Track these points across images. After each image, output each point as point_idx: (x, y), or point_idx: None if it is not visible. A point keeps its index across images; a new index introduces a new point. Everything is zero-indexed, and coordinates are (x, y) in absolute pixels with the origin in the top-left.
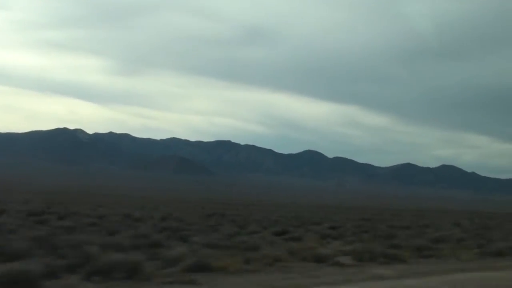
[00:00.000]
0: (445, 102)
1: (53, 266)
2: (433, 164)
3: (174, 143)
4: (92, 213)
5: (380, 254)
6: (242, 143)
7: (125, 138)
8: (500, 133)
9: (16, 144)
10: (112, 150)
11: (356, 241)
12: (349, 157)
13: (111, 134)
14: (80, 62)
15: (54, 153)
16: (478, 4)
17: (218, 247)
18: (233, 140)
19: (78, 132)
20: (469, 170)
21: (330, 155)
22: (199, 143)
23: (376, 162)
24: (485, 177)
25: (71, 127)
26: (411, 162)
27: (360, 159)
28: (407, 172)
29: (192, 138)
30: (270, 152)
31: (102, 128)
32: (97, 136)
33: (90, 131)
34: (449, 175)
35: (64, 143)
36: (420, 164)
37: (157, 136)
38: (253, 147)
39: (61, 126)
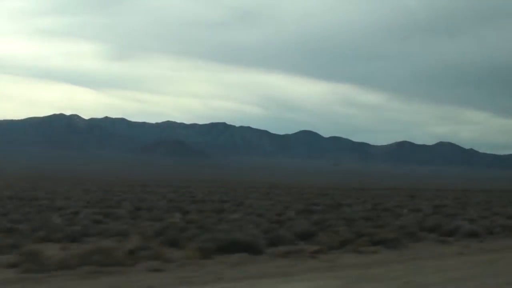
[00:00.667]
0: (442, 79)
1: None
2: (430, 141)
3: (169, 126)
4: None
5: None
6: (237, 125)
7: (121, 123)
8: (499, 108)
9: (13, 131)
10: (108, 134)
11: None
12: (344, 136)
13: (107, 119)
14: (75, 49)
15: (51, 139)
16: None
17: None
18: (228, 122)
19: (74, 118)
20: (467, 147)
21: (325, 134)
22: (194, 126)
23: (372, 141)
24: (484, 154)
25: (68, 113)
26: (407, 140)
27: (356, 138)
28: (403, 150)
29: (188, 121)
30: (265, 133)
31: (98, 113)
32: (93, 121)
33: (86, 116)
34: (446, 152)
35: (60, 129)
36: (417, 142)
37: (153, 120)
38: (248, 129)
39: (58, 112)
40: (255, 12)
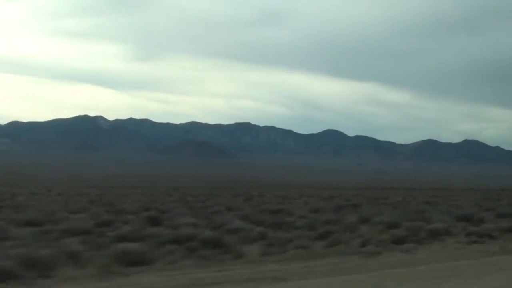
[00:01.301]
0: (467, 76)
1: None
2: (455, 139)
3: (193, 127)
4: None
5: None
6: (261, 125)
7: (145, 124)
8: None
9: (38, 133)
10: (133, 136)
11: None
12: (369, 135)
13: (131, 120)
14: (99, 50)
15: (75, 141)
16: None
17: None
18: (253, 122)
19: (99, 119)
20: (493, 145)
21: (350, 133)
22: (218, 126)
23: (397, 140)
24: (510, 151)
25: (92, 114)
26: (432, 138)
27: (381, 137)
28: (428, 149)
29: (212, 121)
30: (290, 132)
31: (122, 115)
32: (117, 123)
33: (110, 117)
34: (472, 150)
35: (85, 131)
36: (442, 140)
37: (177, 121)
38: (273, 128)
39: (82, 114)
40: (279, 12)
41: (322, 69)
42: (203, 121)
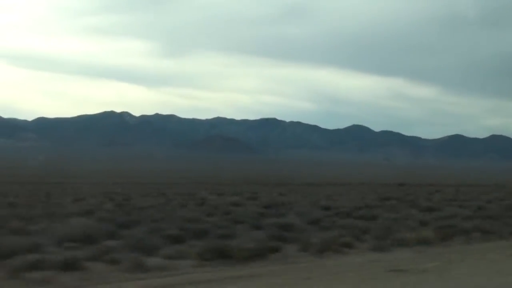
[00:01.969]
0: (494, 71)
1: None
2: (482, 134)
3: (219, 122)
4: None
5: None
6: (287, 120)
7: (171, 119)
8: None
9: (64, 129)
10: (159, 131)
11: None
12: (396, 131)
13: (157, 115)
14: (126, 46)
15: (101, 136)
16: None
17: None
18: (278, 118)
19: (125, 115)
20: None
21: (376, 129)
22: (244, 122)
23: (424, 135)
24: None
25: (118, 110)
26: (459, 133)
27: (407, 132)
28: (455, 144)
29: (238, 117)
30: (316, 128)
31: (148, 110)
32: (143, 118)
33: (136, 113)
34: (499, 146)
35: (111, 126)
36: (469, 135)
37: (203, 116)
38: (298, 124)
39: (108, 110)
40: (305, 7)
41: (347, 64)
42: (229, 116)
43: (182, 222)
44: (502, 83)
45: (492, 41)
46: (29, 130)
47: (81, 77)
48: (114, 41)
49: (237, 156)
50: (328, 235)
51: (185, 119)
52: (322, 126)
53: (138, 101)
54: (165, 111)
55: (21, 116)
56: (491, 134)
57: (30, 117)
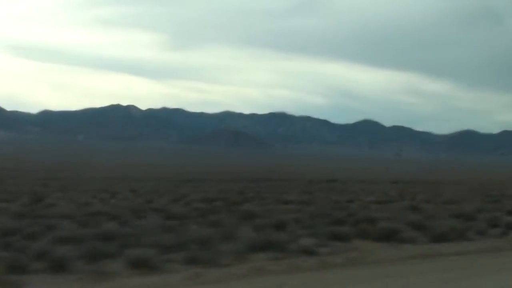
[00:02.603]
0: (507, 66)
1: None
2: (494, 130)
3: (228, 116)
4: None
5: None
6: (297, 115)
7: (178, 113)
8: None
9: (69, 122)
10: (165, 125)
11: None
12: (406, 126)
13: (164, 109)
14: (133, 38)
15: (107, 130)
16: None
17: None
18: (288, 112)
19: (131, 108)
20: None
21: (387, 124)
22: (253, 116)
23: (435, 130)
24: None
25: (124, 103)
26: (471, 128)
27: (418, 127)
28: (466, 139)
29: (246, 110)
30: (325, 122)
31: (155, 104)
32: (150, 112)
33: (143, 107)
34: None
35: (117, 120)
36: (481, 131)
37: (211, 110)
38: (308, 118)
39: (115, 103)
40: (315, 0)
41: (359, 58)
42: (237, 110)
43: None
44: None
45: (507, 36)
46: (33, 123)
47: (87, 69)
48: (122, 33)
49: (246, 151)
50: None
51: (192, 113)
52: (332, 120)
53: (145, 94)
54: (172, 105)
55: (25, 109)
56: (503, 129)
57: (34, 110)
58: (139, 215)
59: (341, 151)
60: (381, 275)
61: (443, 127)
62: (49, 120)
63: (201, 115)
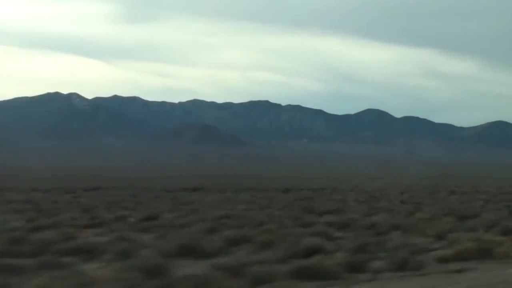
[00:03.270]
0: None
1: None
2: None
3: (197, 106)
4: None
5: None
6: (283, 104)
7: (134, 103)
8: None
9: None
10: (117, 118)
11: None
12: (422, 116)
13: (116, 98)
14: (77, 10)
15: (43, 125)
16: None
17: None
18: (272, 100)
19: (73, 98)
20: None
21: (398, 114)
22: (229, 106)
23: (458, 122)
24: None
25: (65, 91)
26: (503, 119)
27: (437, 119)
28: (498, 133)
29: (220, 99)
30: (320, 113)
31: (104, 92)
32: (98, 102)
33: (89, 95)
34: None
35: (55, 112)
36: None
37: (176, 99)
38: (298, 108)
39: (52, 91)
40: None
41: (362, 31)
42: (208, 99)
43: None
44: None
45: None
46: None
47: (19, 49)
48: (64, 3)
49: (219, 150)
50: None
51: (152, 102)
52: (329, 111)
53: (92, 79)
54: (126, 93)
55: None
56: None
57: None
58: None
59: (339, 149)
60: None
61: (468, 118)
62: None
63: (163, 105)
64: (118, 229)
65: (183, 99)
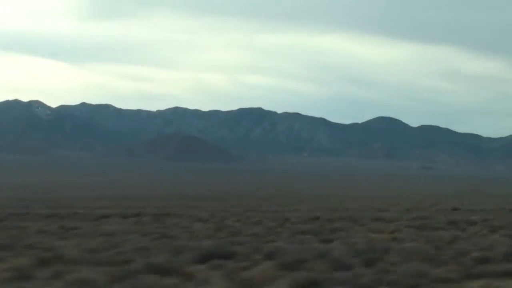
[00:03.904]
0: None
1: None
2: None
3: (178, 115)
4: None
5: None
6: (279, 111)
7: (105, 111)
8: None
9: None
10: (86, 129)
11: None
12: (442, 125)
13: (84, 106)
14: (41, 6)
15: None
16: None
17: None
18: (265, 107)
19: (35, 106)
20: None
21: (413, 123)
22: (215, 114)
23: (485, 131)
24: None
25: (25, 98)
26: None
27: (460, 128)
28: None
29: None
30: (322, 122)
31: (71, 99)
32: (63, 110)
33: (52, 103)
34: None
35: (14, 122)
36: None
37: (154, 107)
38: (296, 116)
39: (11, 98)
40: None
41: (370, 26)
42: (192, 106)
43: None
44: None
45: None
46: None
47: None
48: None
49: (203, 165)
50: None
51: (126, 110)
52: (332, 119)
53: (55, 85)
54: (95, 100)
55: None
56: None
57: None
58: None
59: (345, 163)
60: None
61: (496, 127)
62: None
63: (138, 114)
64: None
65: (162, 107)
